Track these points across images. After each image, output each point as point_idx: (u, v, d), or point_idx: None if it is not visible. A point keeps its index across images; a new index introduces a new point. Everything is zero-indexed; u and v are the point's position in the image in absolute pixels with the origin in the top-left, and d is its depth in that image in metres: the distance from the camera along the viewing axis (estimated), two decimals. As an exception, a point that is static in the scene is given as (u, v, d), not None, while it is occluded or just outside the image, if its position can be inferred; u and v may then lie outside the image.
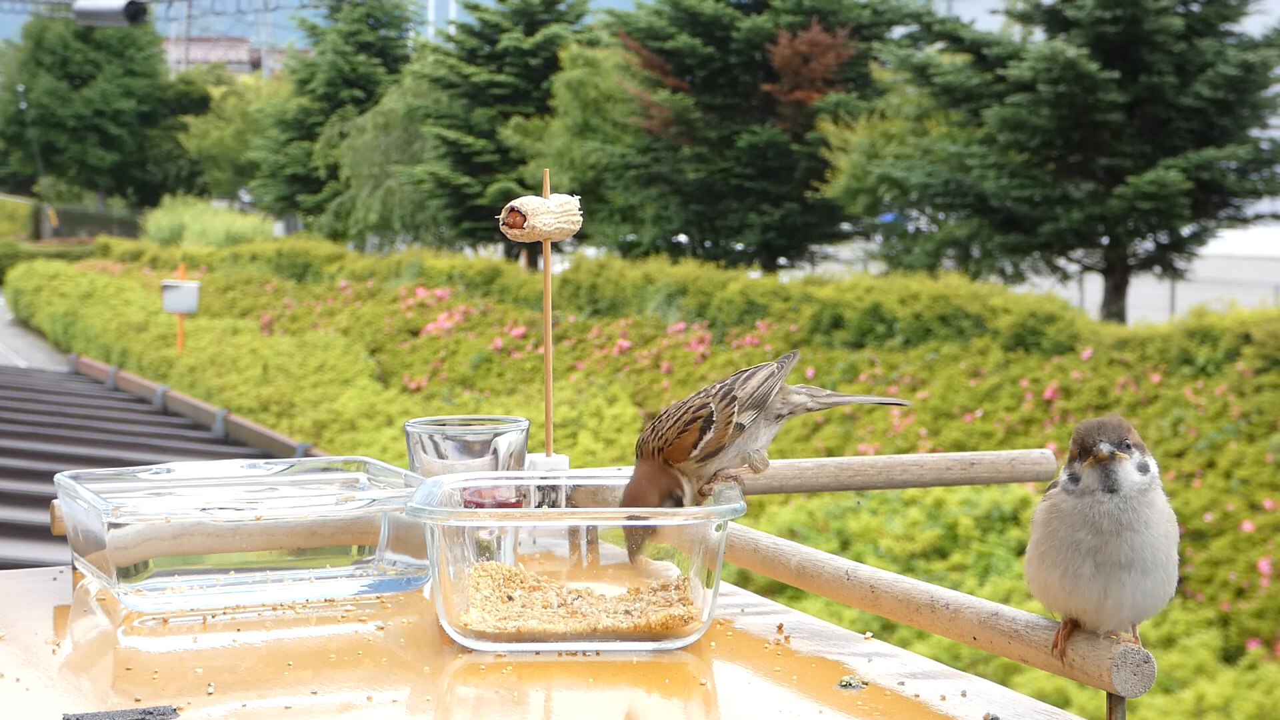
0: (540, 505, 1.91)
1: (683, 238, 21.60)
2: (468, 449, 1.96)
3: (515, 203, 1.94)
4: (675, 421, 1.78)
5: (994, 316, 13.91)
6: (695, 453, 1.76)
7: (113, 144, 43.09)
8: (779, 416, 1.81)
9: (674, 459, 1.77)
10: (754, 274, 19.21)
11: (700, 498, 1.79)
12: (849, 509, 10.84)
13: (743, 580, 7.87)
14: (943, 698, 1.55)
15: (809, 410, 1.83)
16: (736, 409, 1.78)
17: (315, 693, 1.54)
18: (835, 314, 15.36)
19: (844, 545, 10.55)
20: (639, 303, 17.99)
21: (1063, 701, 7.97)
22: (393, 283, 22.52)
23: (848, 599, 1.73)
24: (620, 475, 1.87)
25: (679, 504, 1.76)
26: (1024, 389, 12.96)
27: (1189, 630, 9.43)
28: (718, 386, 1.80)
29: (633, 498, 1.76)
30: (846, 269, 19.98)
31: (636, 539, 1.75)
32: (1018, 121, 15.70)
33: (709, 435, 1.76)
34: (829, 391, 1.85)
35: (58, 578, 1.97)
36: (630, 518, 1.70)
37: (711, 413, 1.77)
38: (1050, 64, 15.02)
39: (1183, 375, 11.99)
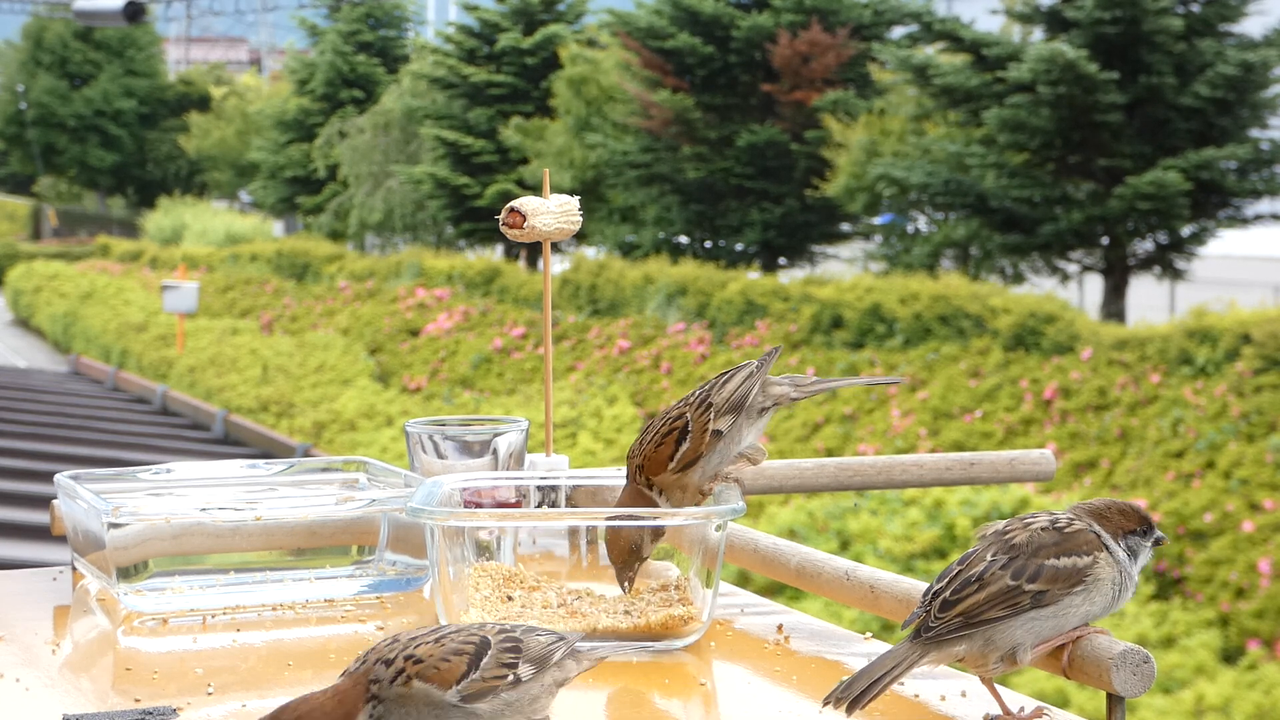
0: (540, 505, 1.91)
1: (683, 238, 21.59)
2: (468, 449, 1.96)
3: (515, 203, 1.93)
4: (654, 434, 1.75)
5: (994, 316, 13.91)
6: (673, 464, 1.73)
7: (113, 144, 43.04)
8: (763, 411, 1.78)
9: (653, 473, 1.74)
10: (754, 274, 19.20)
11: (700, 497, 1.78)
12: (849, 509, 10.83)
13: (743, 580, 7.86)
14: (943, 698, 1.55)
15: (793, 400, 1.79)
16: (713, 416, 1.74)
17: (315, 693, 1.54)
18: (835, 314, 15.35)
19: (844, 545, 10.54)
20: (639, 303, 17.98)
21: (1062, 701, 7.96)
22: (392, 283, 22.50)
23: (848, 599, 1.73)
24: (620, 475, 1.86)
25: (655, 534, 1.72)
26: (1024, 389, 12.96)
27: (1189, 630, 9.43)
28: (696, 393, 1.77)
29: (611, 537, 1.73)
30: (846, 269, 19.97)
31: (628, 566, 1.73)
32: (1017, 122, 15.69)
33: (685, 446, 1.73)
34: (813, 378, 1.81)
35: (58, 578, 1.96)
36: (629, 518, 1.70)
37: (687, 423, 1.74)
38: (1050, 65, 15.01)
39: (1182, 375, 11.99)
